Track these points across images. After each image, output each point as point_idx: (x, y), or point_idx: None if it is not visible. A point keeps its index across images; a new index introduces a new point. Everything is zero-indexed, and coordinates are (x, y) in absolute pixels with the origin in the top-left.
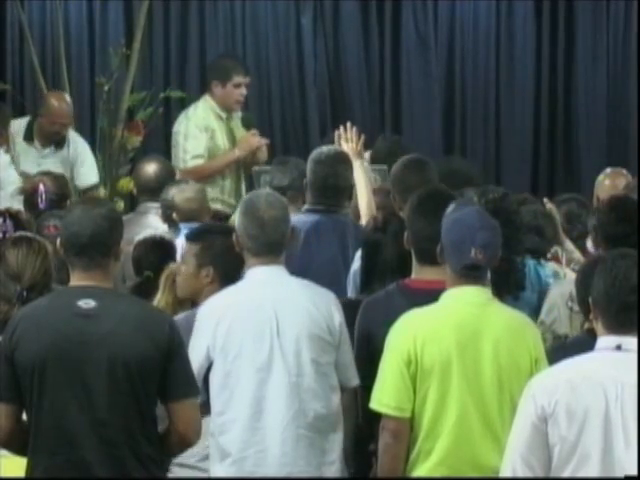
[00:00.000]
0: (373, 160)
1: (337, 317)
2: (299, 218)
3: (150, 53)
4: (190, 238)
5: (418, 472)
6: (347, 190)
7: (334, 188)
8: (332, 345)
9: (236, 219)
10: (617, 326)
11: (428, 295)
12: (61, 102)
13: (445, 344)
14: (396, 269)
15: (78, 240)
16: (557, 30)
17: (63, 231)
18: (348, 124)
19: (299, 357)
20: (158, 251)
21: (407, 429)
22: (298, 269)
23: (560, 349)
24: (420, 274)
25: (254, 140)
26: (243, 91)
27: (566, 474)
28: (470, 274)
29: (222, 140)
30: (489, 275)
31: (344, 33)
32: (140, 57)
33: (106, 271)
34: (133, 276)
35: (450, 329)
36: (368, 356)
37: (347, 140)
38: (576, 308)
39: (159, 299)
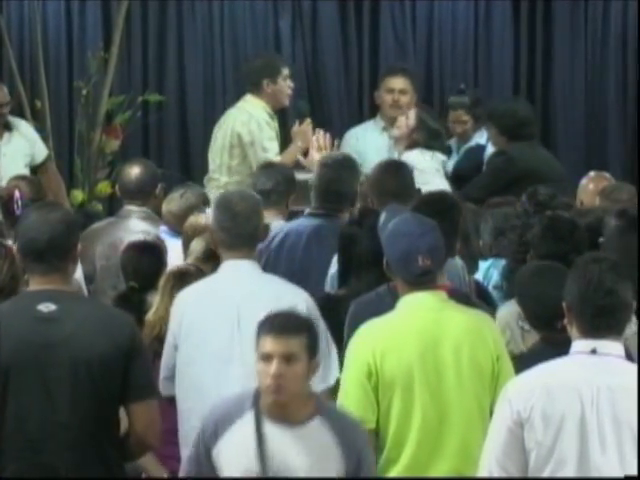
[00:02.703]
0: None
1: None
2: (302, 221)
3: (128, 56)
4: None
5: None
6: (350, 196)
7: (336, 193)
8: None
9: (210, 215)
10: (592, 330)
11: None
12: None
13: (405, 353)
14: (372, 263)
15: (35, 246)
16: (535, 30)
17: (20, 237)
18: (321, 132)
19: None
20: (147, 256)
21: (372, 439)
22: (299, 272)
23: (518, 363)
24: None
25: (310, 130)
26: (291, 83)
27: None
28: (422, 280)
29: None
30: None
31: (322, 35)
32: (118, 61)
33: (65, 274)
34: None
35: (409, 337)
36: None
37: (320, 148)
38: (527, 327)
39: (158, 305)
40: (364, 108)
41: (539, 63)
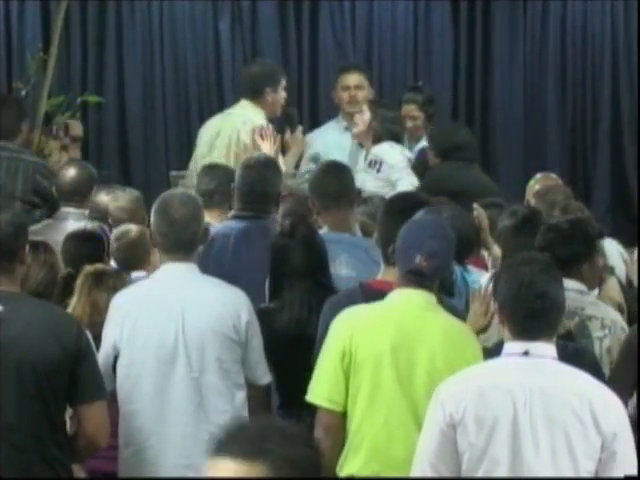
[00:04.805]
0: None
1: (244, 316)
2: (228, 224)
3: (67, 57)
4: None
5: (349, 466)
6: (275, 196)
7: (262, 194)
8: (238, 343)
9: (151, 217)
10: (524, 332)
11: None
12: None
13: (380, 341)
14: (305, 274)
15: None
16: (474, 31)
17: None
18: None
19: (202, 354)
20: (87, 244)
21: (339, 424)
22: (229, 276)
23: (487, 356)
24: (385, 275)
25: (302, 137)
26: (285, 94)
27: None
28: (414, 279)
29: None
30: None
31: (262, 35)
32: (57, 61)
33: (12, 276)
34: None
35: (387, 327)
36: None
37: (263, 138)
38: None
39: (74, 305)
40: (303, 109)
41: (478, 63)
